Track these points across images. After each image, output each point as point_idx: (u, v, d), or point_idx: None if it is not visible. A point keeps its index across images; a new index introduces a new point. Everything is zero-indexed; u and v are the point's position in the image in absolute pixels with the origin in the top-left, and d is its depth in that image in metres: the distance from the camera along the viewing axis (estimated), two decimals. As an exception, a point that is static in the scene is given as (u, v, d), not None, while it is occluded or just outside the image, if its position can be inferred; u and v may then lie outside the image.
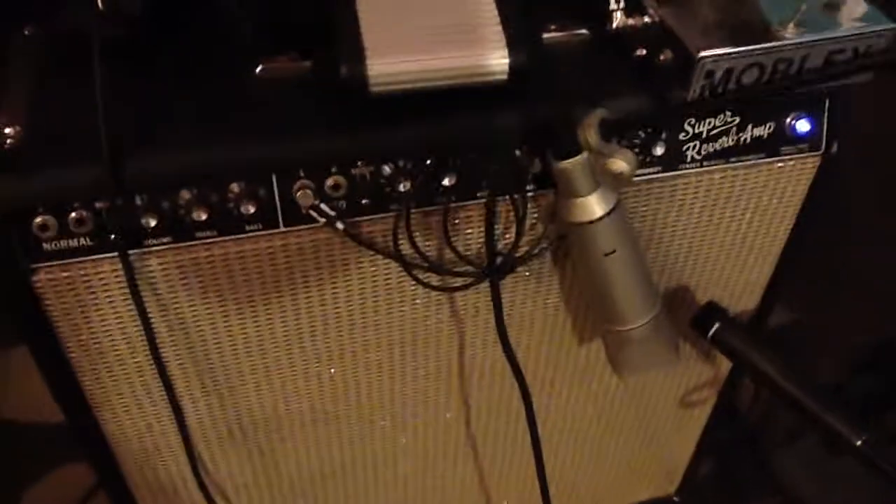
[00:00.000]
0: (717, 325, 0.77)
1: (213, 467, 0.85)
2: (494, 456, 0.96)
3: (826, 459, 1.21)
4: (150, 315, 0.67)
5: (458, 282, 0.71)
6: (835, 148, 0.75)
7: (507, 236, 0.72)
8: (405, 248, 0.68)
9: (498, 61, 0.62)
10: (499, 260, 0.71)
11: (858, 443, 0.69)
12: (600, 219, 0.64)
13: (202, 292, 0.68)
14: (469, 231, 0.70)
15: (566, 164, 0.62)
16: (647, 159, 0.71)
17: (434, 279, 0.72)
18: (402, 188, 0.65)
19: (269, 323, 0.72)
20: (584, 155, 0.62)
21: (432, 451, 0.92)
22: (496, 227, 0.70)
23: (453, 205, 0.68)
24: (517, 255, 0.71)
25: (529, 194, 0.69)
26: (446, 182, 0.66)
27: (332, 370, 0.78)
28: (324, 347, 0.75)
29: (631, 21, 0.70)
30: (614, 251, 0.66)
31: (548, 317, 0.81)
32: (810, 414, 0.72)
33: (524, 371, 0.83)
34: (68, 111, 0.62)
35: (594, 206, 0.64)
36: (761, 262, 0.84)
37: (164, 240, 0.64)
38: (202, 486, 0.80)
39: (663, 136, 0.70)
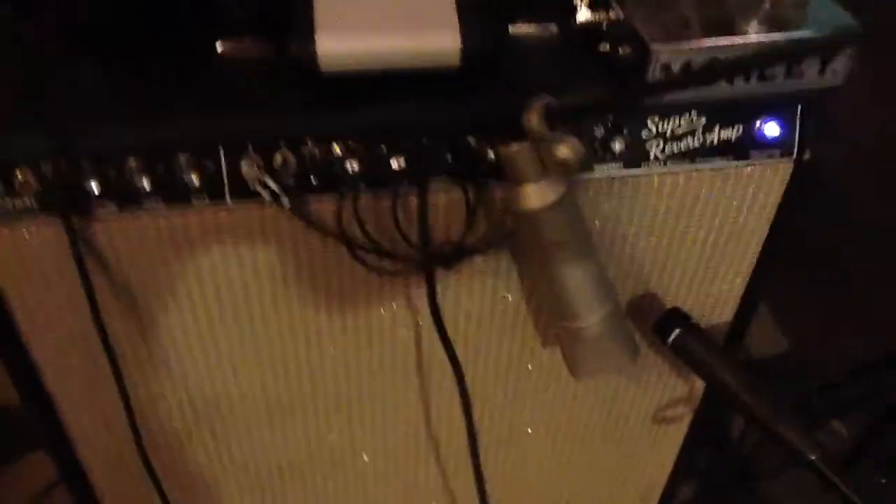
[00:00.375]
0: (677, 331, 0.75)
1: (167, 452, 0.84)
2: (458, 457, 0.94)
3: (821, 488, 1.17)
4: (95, 284, 0.67)
5: (401, 267, 0.70)
6: (807, 154, 0.73)
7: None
8: (355, 231, 0.68)
9: (450, 45, 0.62)
10: (447, 249, 0.70)
11: (813, 457, 0.66)
12: (546, 207, 0.63)
13: (149, 264, 0.68)
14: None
15: (510, 149, 0.61)
16: (608, 155, 0.70)
17: (386, 265, 0.71)
18: (350, 168, 0.65)
19: (216, 299, 0.71)
20: (529, 142, 0.61)
21: (393, 448, 0.91)
22: (452, 216, 0.70)
23: (405, 190, 0.68)
24: (467, 246, 0.70)
25: (489, 183, 0.68)
26: (395, 165, 0.65)
27: (284, 353, 0.77)
28: (275, 329, 0.75)
29: (595, 16, 0.69)
30: (562, 242, 0.65)
31: (507, 314, 0.79)
32: (766, 426, 0.69)
33: (482, 373, 0.82)
34: (27, 81, 0.64)
35: (539, 194, 0.62)
36: (734, 272, 0.81)
37: (110, 207, 0.64)
38: (149, 468, 0.79)
39: (624, 132, 0.69)
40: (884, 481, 0.93)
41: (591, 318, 0.70)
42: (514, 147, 0.61)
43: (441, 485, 0.96)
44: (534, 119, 0.59)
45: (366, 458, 0.92)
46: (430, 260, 0.69)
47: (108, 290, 0.69)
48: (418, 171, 0.66)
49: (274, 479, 0.91)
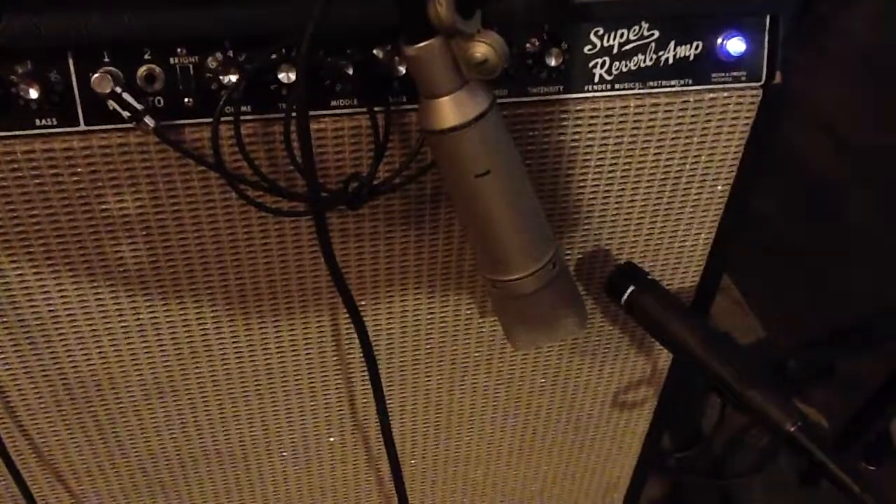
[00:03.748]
0: (631, 289, 0.64)
1: (43, 443, 0.72)
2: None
3: (797, 489, 1.07)
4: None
5: (296, 206, 0.59)
6: (777, 78, 0.63)
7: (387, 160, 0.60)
8: (239, 161, 0.56)
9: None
10: (354, 186, 0.59)
11: (791, 428, 0.55)
12: (465, 125, 0.51)
13: (-13, 203, 0.56)
14: (322, 148, 0.58)
15: (416, 49, 0.50)
16: (543, 74, 0.59)
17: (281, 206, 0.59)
18: (228, 81, 0.54)
19: (79, 247, 0.59)
20: (439, 38, 0.49)
21: (314, 438, 0.79)
22: (361, 146, 0.59)
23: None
24: (378, 182, 0.59)
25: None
26: (283, 77, 0.54)
27: (167, 315, 0.65)
28: (154, 284, 0.62)
29: None
30: (488, 172, 0.54)
31: (436, 268, 0.68)
32: (736, 394, 0.58)
33: (401, 343, 0.71)
34: None
35: (456, 108, 0.51)
36: (698, 225, 0.71)
37: (-70, 128, 0.52)
38: (13, 470, 0.67)
39: (563, 45, 0.58)
40: (872, 468, 0.83)
41: (525, 269, 0.58)
42: (420, 47, 0.50)
43: (364, 478, 0.84)
44: (442, 6, 0.48)
45: (283, 453, 0.80)
46: (320, 199, 0.57)
47: (-59, 237, 0.57)
48: (326, 94, 0.55)
49: (178, 475, 0.79)
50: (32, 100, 0.52)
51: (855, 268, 1.09)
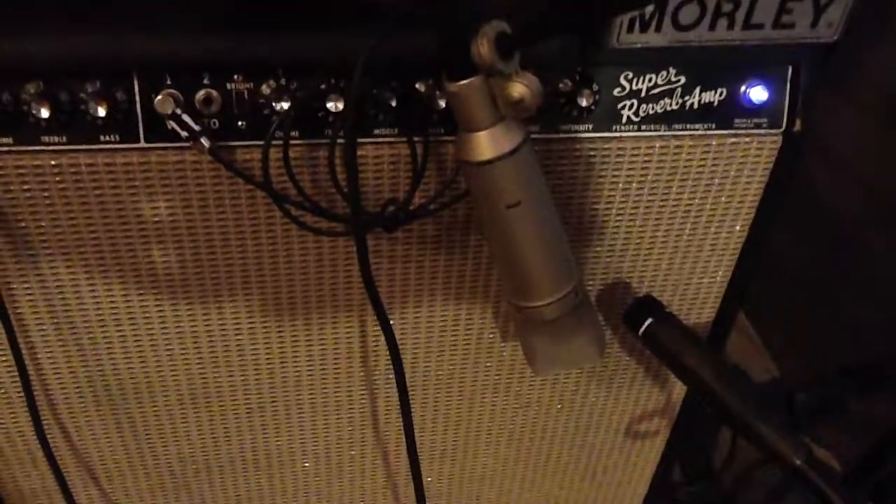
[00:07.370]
0: (649, 321, 0.67)
1: (79, 442, 0.75)
2: (403, 465, 0.85)
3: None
4: (-13, 230, 0.59)
5: (335, 227, 0.62)
6: (797, 126, 0.66)
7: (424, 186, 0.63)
8: (284, 182, 0.60)
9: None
10: (391, 210, 0.62)
11: (798, 462, 0.57)
12: (500, 158, 0.55)
13: (50, 211, 0.60)
14: (363, 174, 0.62)
15: (457, 86, 0.53)
16: (574, 113, 0.62)
17: (321, 225, 0.63)
18: (281, 110, 0.58)
19: (131, 256, 0.63)
20: (480, 77, 0.53)
21: (335, 450, 0.81)
22: (399, 173, 0.62)
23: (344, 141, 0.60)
24: (415, 207, 0.62)
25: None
26: (331, 106, 0.58)
27: (206, 324, 0.68)
28: (197, 294, 0.66)
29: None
30: (519, 203, 0.57)
31: (463, 295, 0.71)
32: (746, 427, 0.60)
33: (426, 364, 0.74)
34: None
35: (491, 142, 0.55)
36: (716, 263, 0.74)
37: (3, 140, 0.56)
38: (50, 457, 0.70)
39: (594, 87, 0.62)
40: (878, 509, 0.85)
41: (549, 296, 0.61)
42: (461, 84, 0.53)
43: (381, 493, 0.87)
44: (484, 47, 0.51)
45: (306, 463, 0.83)
46: (361, 222, 0.60)
47: (4, 237, 0.61)
48: (370, 122, 0.59)
49: (203, 480, 0.82)
50: (100, 117, 0.56)
51: (873, 311, 1.11)
